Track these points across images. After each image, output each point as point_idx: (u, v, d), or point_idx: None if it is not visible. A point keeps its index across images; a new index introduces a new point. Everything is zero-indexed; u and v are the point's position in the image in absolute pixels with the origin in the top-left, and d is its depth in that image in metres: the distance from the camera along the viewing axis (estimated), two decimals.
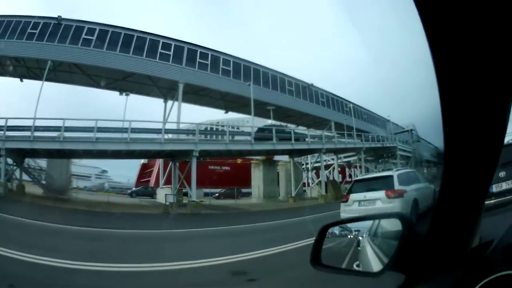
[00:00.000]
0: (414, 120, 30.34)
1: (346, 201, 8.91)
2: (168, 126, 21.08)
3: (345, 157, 27.82)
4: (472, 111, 0.76)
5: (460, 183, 0.88)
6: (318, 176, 25.95)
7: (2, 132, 17.25)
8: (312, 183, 26.58)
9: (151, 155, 22.18)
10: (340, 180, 26.75)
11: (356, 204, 8.46)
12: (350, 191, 9.29)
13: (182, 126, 21.37)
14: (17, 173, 20.16)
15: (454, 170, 0.87)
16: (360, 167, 27.11)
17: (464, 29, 0.66)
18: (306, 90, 24.11)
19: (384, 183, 8.18)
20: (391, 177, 8.31)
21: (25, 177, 20.73)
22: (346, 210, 8.63)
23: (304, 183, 25.45)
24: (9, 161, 18.87)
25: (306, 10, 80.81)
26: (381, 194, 7.92)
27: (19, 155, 19.06)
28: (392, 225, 1.34)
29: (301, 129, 25.10)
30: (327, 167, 25.60)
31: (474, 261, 0.98)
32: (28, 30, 20.53)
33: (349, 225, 1.79)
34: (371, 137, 27.35)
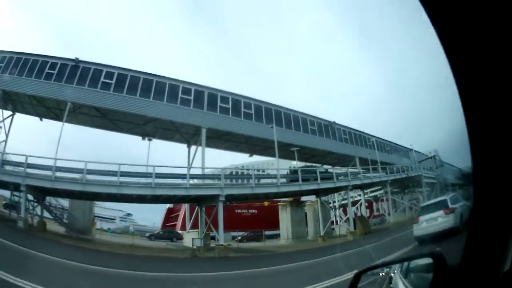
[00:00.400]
0: (436, 145, 30.08)
1: (417, 222, 11.21)
2: (193, 171, 20.53)
3: (371, 191, 26.96)
4: (500, 128, 0.76)
5: (491, 203, 0.88)
6: (345, 213, 25.17)
7: (22, 168, 17.36)
8: (340, 221, 25.70)
9: (177, 200, 21.71)
10: (368, 215, 25.86)
11: (424, 223, 10.87)
12: (419, 215, 11.78)
13: (207, 171, 20.75)
14: (38, 210, 20.13)
15: (484, 191, 0.88)
16: (387, 200, 26.36)
17: (485, 46, 0.66)
18: (328, 128, 23.62)
19: (441, 205, 10.93)
20: (445, 200, 11.32)
21: (46, 214, 20.52)
22: (418, 229, 10.95)
23: (332, 221, 24.63)
24: (30, 197, 18.76)
25: (320, 48, 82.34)
26: (440, 213, 10.51)
27: (40, 193, 18.75)
28: (424, 259, 1.36)
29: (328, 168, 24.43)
30: (354, 203, 24.89)
31: (506, 286, 0.97)
32: (46, 70, 20.70)
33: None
34: (395, 169, 26.62)
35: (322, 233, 22.37)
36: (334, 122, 23.89)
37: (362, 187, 25.25)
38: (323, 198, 23.65)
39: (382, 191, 26.42)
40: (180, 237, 25.23)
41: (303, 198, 24.13)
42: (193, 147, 21.59)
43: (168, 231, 25.86)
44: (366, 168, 24.80)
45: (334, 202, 25.95)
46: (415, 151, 29.17)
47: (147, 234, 25.72)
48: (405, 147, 28.94)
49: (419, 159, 29.34)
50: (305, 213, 24.09)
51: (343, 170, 24.18)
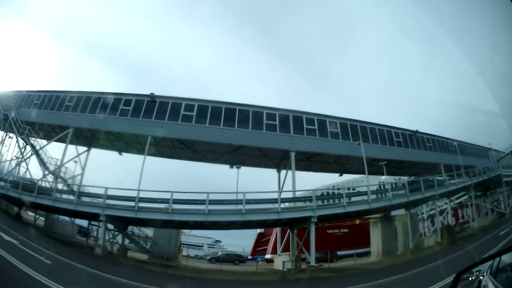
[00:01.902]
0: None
1: None
2: (284, 194, 20.25)
3: (456, 198, 25.88)
4: None
5: None
6: (433, 224, 24.29)
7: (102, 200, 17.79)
8: (428, 232, 24.84)
9: (268, 224, 21.61)
10: (454, 223, 24.89)
11: None
12: None
13: (298, 193, 20.56)
14: (118, 238, 20.81)
15: None
16: (472, 205, 25.25)
17: None
18: (412, 139, 22.80)
19: None
20: None
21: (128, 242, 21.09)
22: None
23: (420, 234, 23.85)
24: (111, 226, 19.34)
25: (392, 62, 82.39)
26: None
27: (122, 222, 19.15)
28: None
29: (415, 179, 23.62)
30: (441, 212, 23.98)
31: None
32: (120, 106, 20.98)
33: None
34: (477, 171, 25.41)
35: (411, 247, 21.87)
36: (417, 131, 23.04)
37: (448, 194, 24.33)
38: (412, 210, 22.99)
39: (466, 197, 25.32)
40: (242, 260, 24.77)
41: (393, 213, 23.50)
42: (283, 171, 21.38)
43: (231, 253, 25.52)
44: (450, 175, 23.85)
45: (423, 213, 25.07)
46: (494, 149, 27.77)
47: (208, 257, 25.60)
48: (484, 147, 27.60)
49: (497, 158, 27.94)
50: (395, 227, 23.46)
51: (429, 179, 23.30)
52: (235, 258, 24.98)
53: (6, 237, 12.07)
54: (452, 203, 25.58)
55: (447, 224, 24.52)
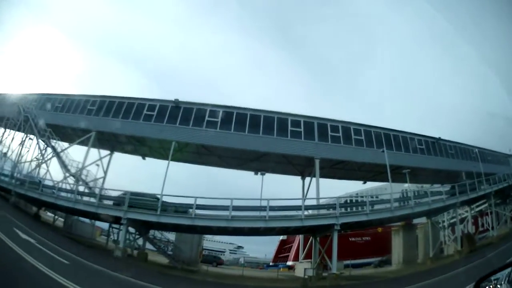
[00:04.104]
0: None
1: None
2: (307, 202, 20.25)
3: (476, 206, 25.76)
4: None
5: None
6: (453, 232, 24.21)
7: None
8: (448, 240, 24.76)
9: (291, 231, 21.61)
10: (474, 231, 24.80)
11: None
12: None
13: (321, 201, 20.49)
14: (139, 241, 21.20)
15: None
16: (491, 213, 25.14)
17: None
18: (435, 146, 22.70)
19: None
20: None
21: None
22: None
23: (441, 242, 23.79)
24: (132, 230, 19.39)
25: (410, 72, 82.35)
26: None
27: (143, 226, 19.17)
28: None
29: (436, 187, 23.50)
30: (461, 220, 23.88)
31: None
32: (144, 112, 21.06)
33: None
34: (497, 178, 25.27)
35: (431, 255, 21.89)
36: (439, 138, 22.93)
37: (469, 202, 24.22)
38: (433, 218, 22.94)
39: (486, 204, 25.19)
40: (220, 262, 24.61)
41: (415, 221, 23.44)
42: (307, 178, 21.36)
43: (210, 255, 25.31)
44: (471, 182, 23.74)
45: (443, 221, 24.99)
46: None
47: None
48: (504, 154, 27.44)
49: None
50: (416, 236, 23.42)
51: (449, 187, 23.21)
52: (213, 260, 25.70)
53: (23, 235, 11.96)
54: (472, 211, 25.45)
55: (467, 232, 24.46)
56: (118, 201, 18.49)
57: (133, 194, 17.94)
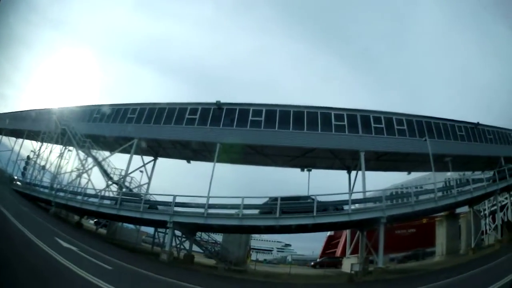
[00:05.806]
0: None
1: None
2: (354, 195, 20.43)
3: None
4: None
5: None
6: (494, 221, 24.22)
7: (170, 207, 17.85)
8: (489, 229, 24.76)
9: (339, 226, 21.68)
10: None
11: None
12: None
13: (368, 194, 20.60)
14: (186, 244, 21.30)
15: None
16: None
17: None
18: (474, 131, 22.75)
19: None
20: None
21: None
22: None
23: (482, 231, 23.77)
24: (178, 233, 19.75)
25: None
26: None
27: (190, 228, 19.43)
28: None
29: (477, 174, 23.57)
30: (502, 208, 23.87)
31: None
32: (186, 116, 21.33)
33: None
34: None
35: (473, 245, 21.73)
36: (478, 123, 23.04)
37: (509, 188, 24.22)
38: (475, 207, 22.95)
39: None
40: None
41: (457, 210, 23.50)
42: (353, 172, 21.58)
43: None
44: (510, 167, 23.78)
45: (485, 210, 25.00)
46: None
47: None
48: None
49: None
50: (459, 225, 23.47)
51: (490, 173, 23.23)
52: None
53: (65, 244, 11.96)
54: None
55: (507, 220, 24.45)
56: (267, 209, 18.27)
57: (283, 198, 17.87)
